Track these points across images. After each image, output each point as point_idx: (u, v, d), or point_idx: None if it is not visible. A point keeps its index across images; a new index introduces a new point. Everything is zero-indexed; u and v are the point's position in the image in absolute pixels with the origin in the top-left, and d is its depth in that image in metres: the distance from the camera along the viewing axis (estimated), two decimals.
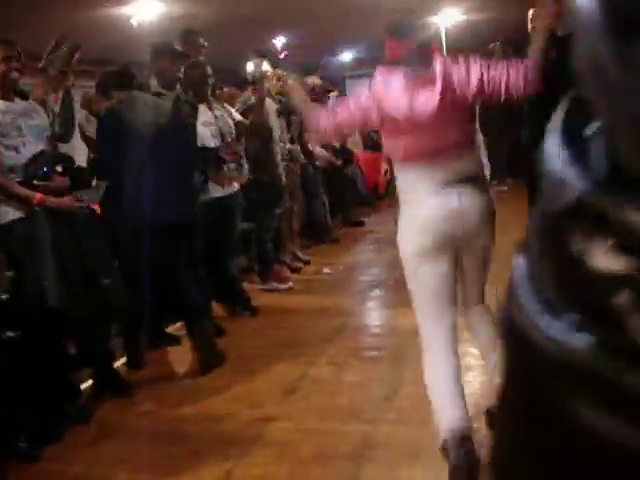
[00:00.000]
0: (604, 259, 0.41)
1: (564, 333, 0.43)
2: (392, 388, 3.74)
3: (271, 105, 6.22)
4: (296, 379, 4.02)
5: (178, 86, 4.72)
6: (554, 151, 0.42)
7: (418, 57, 2.83)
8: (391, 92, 2.78)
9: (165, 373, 4.45)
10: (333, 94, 9.59)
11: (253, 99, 6.05)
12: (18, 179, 3.62)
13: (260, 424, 3.49)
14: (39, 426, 3.49)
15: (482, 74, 2.75)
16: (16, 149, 3.67)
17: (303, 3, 7.71)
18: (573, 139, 0.43)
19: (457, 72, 2.78)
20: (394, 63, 2.90)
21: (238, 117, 5.77)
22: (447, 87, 2.74)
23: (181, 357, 4.66)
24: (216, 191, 5.13)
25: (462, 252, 2.90)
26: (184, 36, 5.20)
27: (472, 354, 4.18)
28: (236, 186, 5.49)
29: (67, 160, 3.94)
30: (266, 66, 6.29)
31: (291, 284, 6.30)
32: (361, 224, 9.36)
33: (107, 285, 3.79)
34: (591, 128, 0.43)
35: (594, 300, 0.42)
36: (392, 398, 3.62)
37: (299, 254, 7.27)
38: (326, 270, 6.89)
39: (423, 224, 2.81)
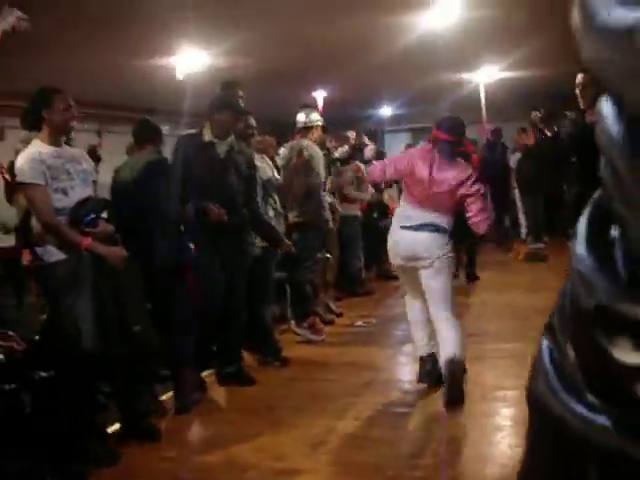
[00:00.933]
0: (628, 355, 0.44)
1: (588, 412, 0.46)
2: (419, 446, 3.70)
3: (319, 153, 6.32)
4: (322, 433, 3.98)
5: (232, 137, 4.84)
6: (582, 254, 0.45)
7: (449, 150, 4.39)
8: (418, 163, 4.40)
9: (191, 420, 4.45)
10: (370, 147, 9.70)
11: (302, 143, 6.20)
12: (65, 221, 3.76)
13: (285, 477, 3.46)
14: (64, 466, 3.51)
15: (481, 209, 4.37)
16: (65, 192, 3.81)
17: (345, 57, 7.84)
18: (599, 243, 0.46)
19: (465, 189, 4.31)
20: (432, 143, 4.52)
21: (276, 174, 5.91)
22: (452, 189, 4.30)
23: (208, 404, 4.67)
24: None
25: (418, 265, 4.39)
26: (224, 87, 5.32)
27: (502, 414, 4.14)
28: None
29: (111, 207, 4.04)
30: (316, 115, 6.44)
31: (324, 336, 6.29)
32: (395, 278, 9.32)
33: (138, 331, 3.84)
34: (615, 233, 0.46)
35: (618, 388, 0.45)
36: (419, 456, 3.57)
37: (332, 306, 7.27)
38: (359, 323, 6.88)
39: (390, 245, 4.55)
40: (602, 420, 0.45)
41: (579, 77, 4.84)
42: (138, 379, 4.13)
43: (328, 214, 6.48)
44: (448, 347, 4.28)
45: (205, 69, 7.16)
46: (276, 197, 5.92)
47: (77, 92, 4.19)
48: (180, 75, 7.08)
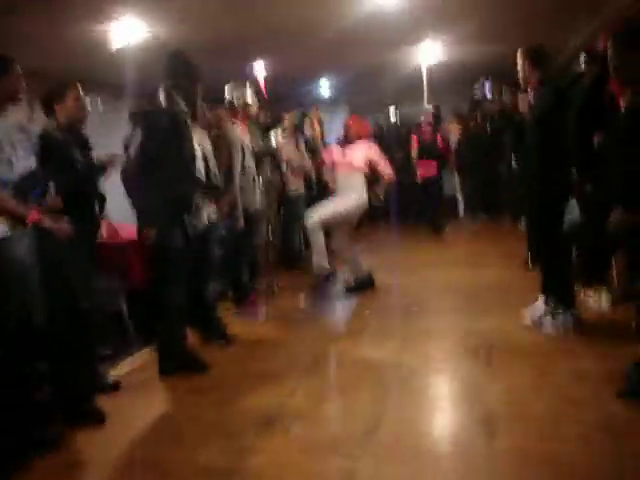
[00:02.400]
0: None
1: None
2: (373, 423, 3.65)
3: (235, 132, 6.11)
4: (274, 411, 3.91)
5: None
6: None
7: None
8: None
9: (136, 399, 4.32)
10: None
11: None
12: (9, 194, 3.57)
13: (237, 455, 3.37)
14: (5, 451, 3.34)
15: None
16: (10, 164, 3.64)
17: (285, 28, 7.69)
18: None
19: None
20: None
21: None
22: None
23: (151, 383, 4.56)
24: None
25: None
26: (172, 57, 5.10)
27: (451, 389, 4.14)
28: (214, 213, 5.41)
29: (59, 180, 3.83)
30: (248, 94, 6.27)
31: (265, 313, 6.21)
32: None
33: (85, 308, 3.68)
34: None
35: None
36: (373, 433, 3.52)
37: (274, 283, 7.20)
38: (302, 300, 6.82)
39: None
40: None
41: (520, 51, 4.98)
42: (82, 358, 3.98)
43: (252, 199, 6.26)
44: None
45: (141, 38, 6.90)
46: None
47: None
48: (116, 45, 6.80)
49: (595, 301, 5.45)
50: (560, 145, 4.87)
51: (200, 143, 5.23)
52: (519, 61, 5.01)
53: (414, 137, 11.49)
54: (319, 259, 6.85)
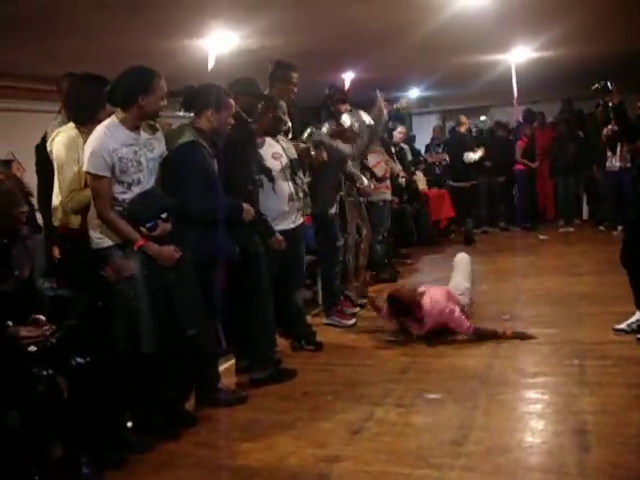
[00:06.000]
0: None
1: None
2: (461, 433, 3.61)
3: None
4: (362, 419, 3.92)
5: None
6: None
7: None
8: None
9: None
10: (400, 129, 9.61)
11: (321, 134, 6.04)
12: (119, 209, 3.65)
13: (325, 464, 3.40)
14: (101, 452, 3.47)
15: None
16: (129, 186, 3.67)
17: (374, 37, 7.70)
18: None
19: None
20: None
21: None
22: None
23: (247, 388, 4.61)
24: (283, 223, 5.11)
25: None
26: (281, 69, 5.16)
27: (544, 401, 4.04)
28: (302, 218, 5.42)
29: (172, 205, 3.79)
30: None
31: (355, 320, 6.21)
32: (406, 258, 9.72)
33: (192, 335, 3.72)
34: None
35: None
36: (461, 443, 3.49)
37: (364, 290, 7.18)
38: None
39: None
40: None
41: None
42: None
43: (334, 204, 6.23)
44: None
45: (235, 50, 7.05)
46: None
47: (100, 73, 4.05)
48: (211, 57, 6.96)
49: None
50: None
51: (287, 152, 5.28)
52: None
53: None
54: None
